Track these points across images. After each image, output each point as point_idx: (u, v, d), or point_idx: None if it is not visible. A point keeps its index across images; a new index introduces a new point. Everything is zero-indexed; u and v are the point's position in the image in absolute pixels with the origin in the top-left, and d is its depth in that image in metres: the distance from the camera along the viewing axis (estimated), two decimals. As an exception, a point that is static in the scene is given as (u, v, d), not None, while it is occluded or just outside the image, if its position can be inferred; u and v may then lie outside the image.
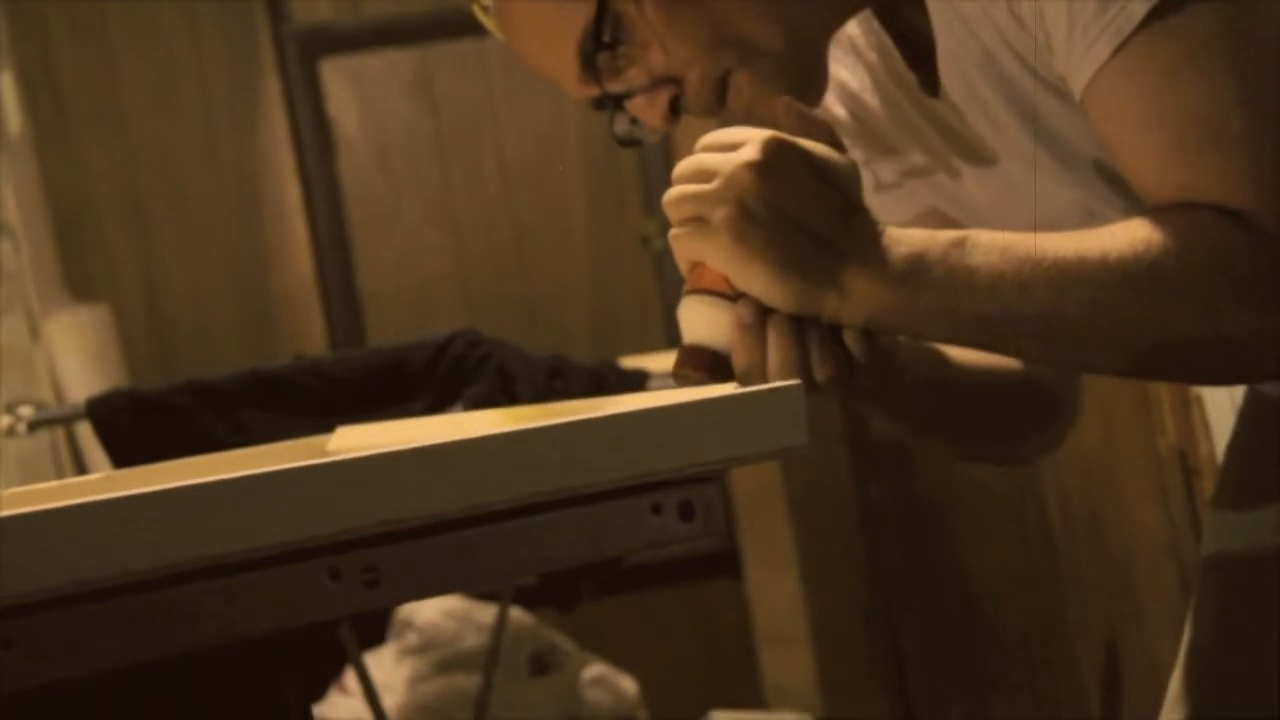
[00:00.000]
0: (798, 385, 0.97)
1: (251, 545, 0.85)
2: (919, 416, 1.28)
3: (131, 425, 2.68)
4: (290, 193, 4.64)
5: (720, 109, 1.22)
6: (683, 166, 1.13)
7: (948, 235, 1.11)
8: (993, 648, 3.88)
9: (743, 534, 4.18)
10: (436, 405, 2.66)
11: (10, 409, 3.03)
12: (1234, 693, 1.29)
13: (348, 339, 4.60)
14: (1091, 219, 1.17)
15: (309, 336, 4.58)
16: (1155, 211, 1.10)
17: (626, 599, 4.17)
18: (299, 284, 4.64)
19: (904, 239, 1.11)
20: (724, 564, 4.29)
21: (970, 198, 1.31)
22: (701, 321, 1.14)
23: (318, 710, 3.47)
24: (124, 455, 2.66)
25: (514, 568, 0.97)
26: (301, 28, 4.64)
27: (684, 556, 4.32)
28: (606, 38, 1.19)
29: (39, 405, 3.23)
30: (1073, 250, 1.09)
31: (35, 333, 3.60)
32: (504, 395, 2.64)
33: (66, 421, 3.32)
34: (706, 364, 1.14)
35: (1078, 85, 1.13)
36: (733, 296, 1.13)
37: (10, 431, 3.00)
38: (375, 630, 3.62)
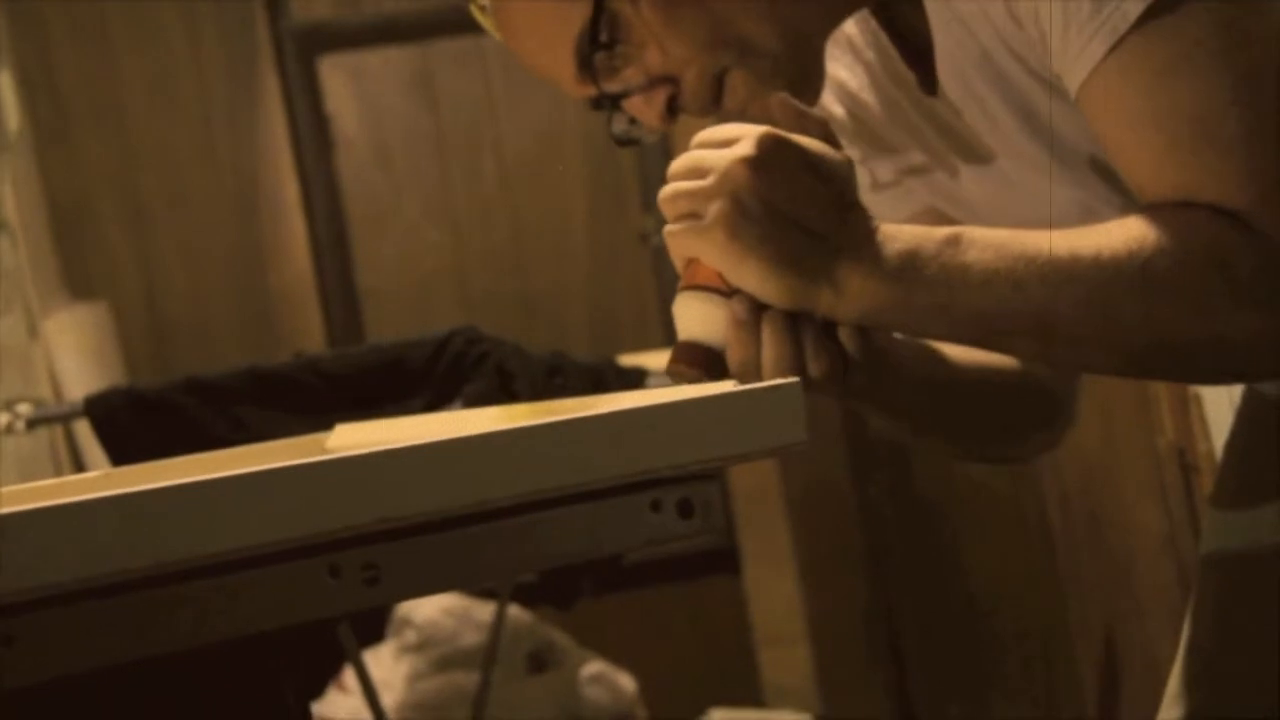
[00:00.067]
0: (797, 382, 0.97)
1: (251, 543, 0.85)
2: (916, 415, 1.28)
3: (130, 423, 2.68)
4: (289, 190, 4.64)
5: (717, 108, 1.22)
6: (678, 163, 1.13)
7: (942, 232, 1.11)
8: (991, 646, 3.88)
9: (742, 531, 4.18)
10: (436, 403, 2.67)
11: (9, 407, 3.03)
12: (1232, 690, 1.30)
13: (346, 336, 4.60)
14: (1090, 217, 1.17)
15: (308, 334, 4.58)
16: (1150, 210, 1.11)
17: (625, 596, 4.17)
18: (298, 281, 4.63)
19: (898, 235, 1.11)
20: (723, 561, 4.30)
21: (968, 196, 1.31)
22: (696, 318, 1.14)
23: (316, 708, 3.47)
24: (122, 453, 2.66)
25: (513, 565, 0.97)
26: (300, 25, 4.64)
27: (683, 554, 4.32)
28: (603, 37, 1.19)
29: (37, 403, 3.23)
30: (1066, 248, 1.09)
31: (34, 331, 3.60)
32: (503, 393, 2.64)
33: (65, 419, 3.31)
34: (701, 360, 1.14)
35: (1073, 84, 1.13)
36: (727, 293, 1.13)
37: (9, 429, 3.00)
38: (374, 628, 3.62)
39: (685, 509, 0.96)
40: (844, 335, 1.13)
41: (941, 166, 1.31)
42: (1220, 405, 2.45)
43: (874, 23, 1.30)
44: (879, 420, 1.27)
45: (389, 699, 3.42)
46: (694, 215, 1.11)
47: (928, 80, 1.27)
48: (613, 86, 1.22)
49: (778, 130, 1.12)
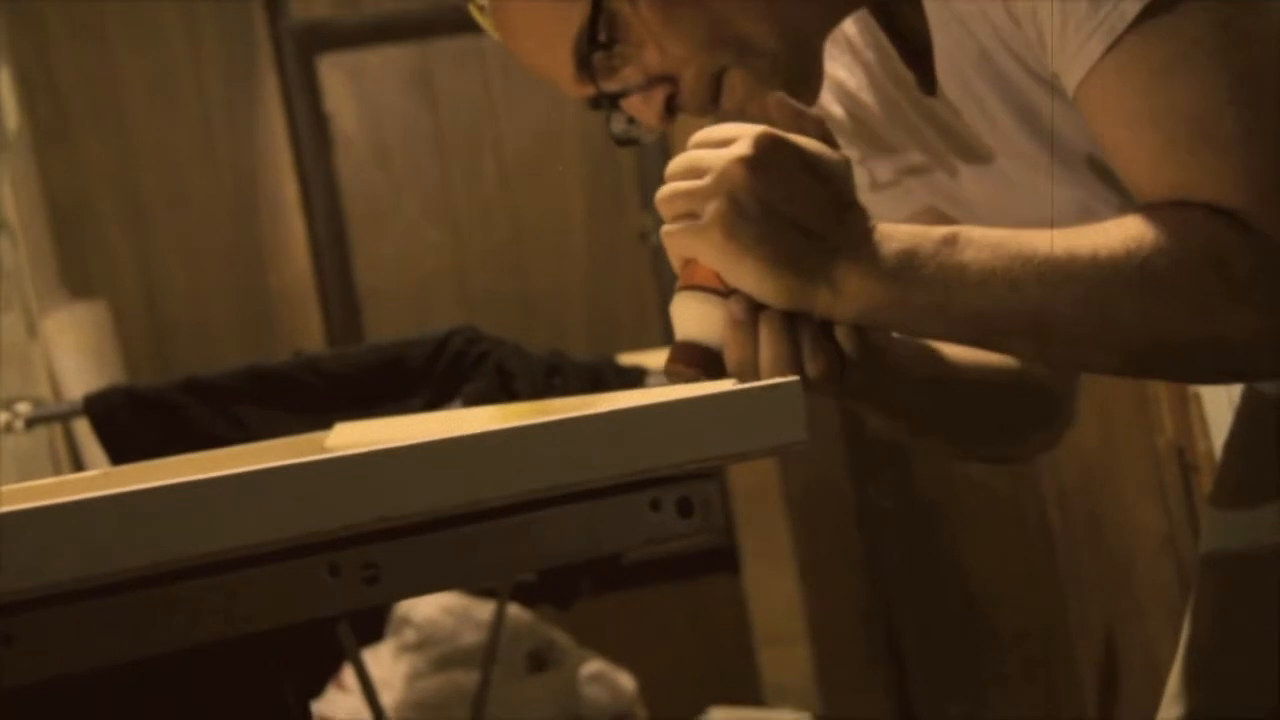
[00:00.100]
0: (796, 381, 0.97)
1: (251, 542, 0.85)
2: (915, 414, 1.28)
3: (129, 422, 2.68)
4: (288, 189, 4.64)
5: (715, 107, 1.22)
6: (675, 163, 1.13)
7: (939, 231, 1.11)
8: (991, 645, 3.88)
9: (741, 530, 4.18)
10: (435, 402, 2.67)
11: (8, 406, 3.03)
12: (1232, 690, 1.30)
13: (346, 336, 4.60)
14: (1089, 216, 1.17)
15: (307, 333, 4.58)
16: (1148, 210, 1.11)
17: (625, 595, 4.18)
18: (297, 281, 4.63)
19: (895, 235, 1.11)
20: (722, 560, 4.30)
21: (967, 195, 1.31)
22: (694, 318, 1.14)
23: (316, 707, 3.47)
24: (122, 452, 2.66)
25: (513, 564, 0.97)
26: (299, 24, 4.63)
27: (682, 553, 4.33)
28: (602, 37, 1.19)
29: (37, 402, 3.23)
30: (1064, 247, 1.09)
31: (33, 330, 3.60)
32: (502, 392, 2.64)
33: (64, 418, 3.31)
34: (699, 360, 1.14)
35: (1071, 83, 1.13)
36: (725, 292, 1.13)
37: (8, 428, 2.99)
38: (373, 627, 3.62)
39: (685, 508, 0.96)
40: (841, 335, 1.13)
41: (940, 166, 1.31)
42: (1220, 404, 2.45)
43: (873, 22, 1.30)
44: (877, 420, 1.27)
45: (388, 698, 3.42)
46: (691, 215, 1.11)
47: (927, 80, 1.27)
48: (611, 86, 1.22)
49: (775, 130, 1.12)
